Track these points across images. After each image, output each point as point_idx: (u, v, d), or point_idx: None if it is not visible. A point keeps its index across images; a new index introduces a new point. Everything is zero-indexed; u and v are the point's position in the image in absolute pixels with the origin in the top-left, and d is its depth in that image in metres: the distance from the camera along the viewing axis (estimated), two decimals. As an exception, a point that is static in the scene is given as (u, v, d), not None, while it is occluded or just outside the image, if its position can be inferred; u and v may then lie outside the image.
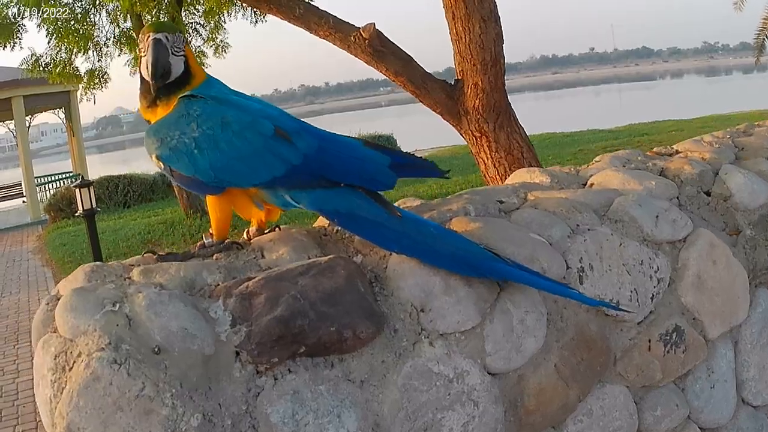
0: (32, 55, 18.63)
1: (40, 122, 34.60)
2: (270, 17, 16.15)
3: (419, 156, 2.50)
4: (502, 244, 2.30)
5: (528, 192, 2.85)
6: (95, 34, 18.47)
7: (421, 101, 6.92)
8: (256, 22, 17.16)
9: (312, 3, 7.20)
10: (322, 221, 2.51)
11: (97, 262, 2.17)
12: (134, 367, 1.73)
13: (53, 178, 31.01)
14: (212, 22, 18.59)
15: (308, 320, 1.90)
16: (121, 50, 18.90)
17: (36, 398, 1.89)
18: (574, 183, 3.07)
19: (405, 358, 2.05)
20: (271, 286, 1.96)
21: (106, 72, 19.34)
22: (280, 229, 2.48)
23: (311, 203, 2.28)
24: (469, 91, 6.59)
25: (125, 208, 23.96)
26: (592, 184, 3.02)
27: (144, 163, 34.46)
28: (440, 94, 6.76)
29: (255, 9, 7.25)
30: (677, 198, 2.98)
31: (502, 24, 6.55)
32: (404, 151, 2.49)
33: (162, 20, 2.56)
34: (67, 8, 17.64)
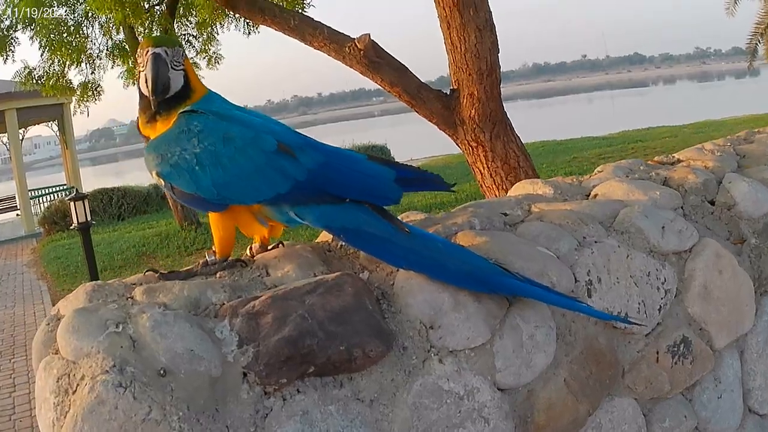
0: (25, 67, 18.65)
1: (33, 135, 34.65)
2: (263, 28, 16.26)
3: (423, 168, 2.46)
4: (510, 259, 2.28)
5: (532, 204, 2.82)
6: (88, 46, 18.46)
7: (416, 111, 6.91)
8: (249, 33, 17.19)
9: (306, 14, 7.17)
10: (324, 236, 2.48)
11: (98, 281, 2.14)
12: (140, 390, 1.70)
13: (47, 191, 30.98)
14: (205, 33, 18.59)
15: (317, 340, 1.87)
16: (114, 62, 18.89)
17: (38, 421, 1.85)
18: (577, 194, 3.04)
19: (415, 376, 2.02)
20: (278, 305, 1.93)
21: (99, 84, 19.37)
22: (283, 245, 2.44)
23: (316, 220, 2.24)
24: (464, 100, 6.58)
25: (119, 220, 23.96)
26: (596, 195, 2.99)
27: (137, 176, 34.40)
28: (436, 104, 6.74)
29: (249, 20, 7.23)
30: (681, 208, 2.95)
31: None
32: (407, 164, 2.46)
33: (162, 34, 2.52)
34: (59, 20, 17.62)
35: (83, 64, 18.65)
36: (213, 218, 2.29)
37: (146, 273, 2.26)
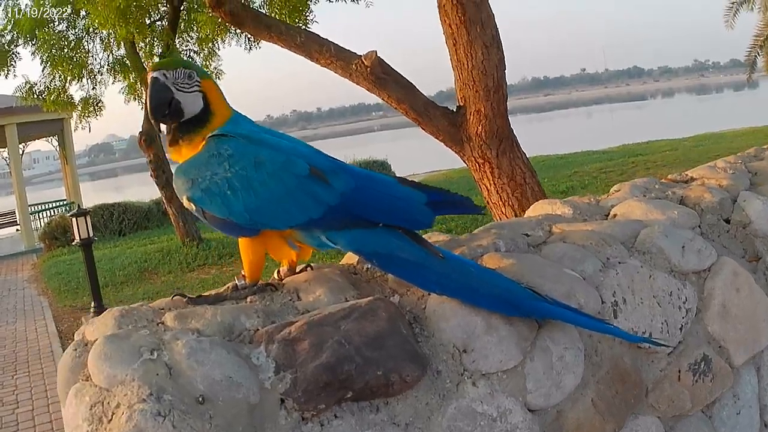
0: (26, 82, 18.63)
1: (32, 150, 34.66)
2: (263, 43, 16.29)
3: (454, 192, 2.46)
4: (538, 281, 2.29)
5: (552, 224, 2.84)
6: (89, 61, 18.46)
7: (423, 128, 6.90)
8: (250, 48, 17.21)
9: (312, 31, 7.18)
10: (349, 258, 2.49)
11: (126, 306, 2.12)
12: (179, 419, 1.69)
13: (47, 207, 30.95)
14: (206, 49, 18.60)
15: (355, 365, 1.87)
16: (115, 78, 18.87)
17: None
18: (596, 214, 3.06)
19: (449, 399, 2.03)
20: (314, 331, 1.93)
21: (100, 100, 19.34)
22: (312, 268, 2.43)
23: (348, 244, 2.24)
24: (471, 117, 6.58)
25: (120, 236, 23.89)
26: (615, 215, 3.02)
27: (138, 191, 34.34)
28: (442, 121, 6.74)
29: (252, 36, 7.25)
30: (699, 227, 2.97)
31: (496, 48, 6.56)
32: (439, 187, 2.45)
33: (167, 57, 2.49)
34: (61, 35, 17.63)
35: (84, 80, 18.62)
36: (243, 243, 2.28)
37: (174, 297, 2.25)
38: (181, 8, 17.10)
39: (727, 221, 3.10)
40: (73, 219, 12.53)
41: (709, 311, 2.73)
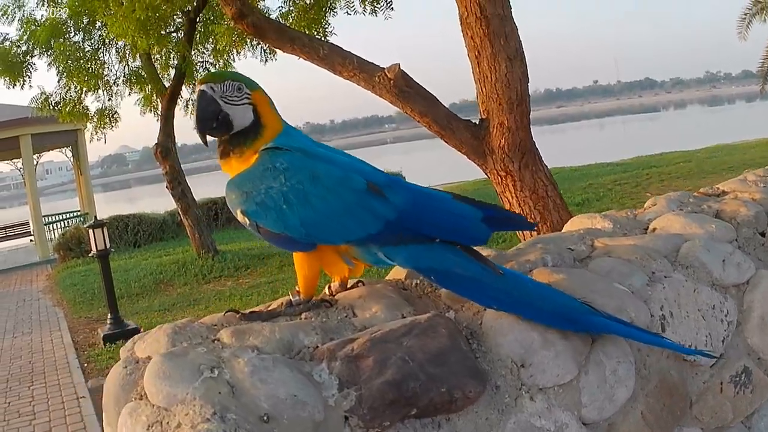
0: (42, 93, 18.65)
1: (45, 160, 34.77)
2: (277, 56, 16.32)
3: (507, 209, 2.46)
4: (590, 296, 2.29)
5: (594, 239, 2.85)
6: (104, 72, 18.50)
7: (446, 141, 6.91)
8: (266, 61, 17.16)
9: (335, 43, 7.20)
10: (395, 273, 2.49)
11: (178, 322, 2.12)
12: (244, 438, 1.68)
13: (61, 218, 31.03)
14: (221, 60, 18.63)
15: (419, 382, 1.87)
16: (131, 89, 18.89)
17: None
18: (635, 228, 3.06)
19: (508, 414, 2.03)
20: (377, 348, 1.92)
21: (116, 111, 19.35)
22: (363, 284, 2.42)
23: (405, 260, 2.24)
24: (494, 130, 6.58)
25: (135, 247, 23.88)
26: (654, 229, 3.02)
27: (151, 202, 34.37)
28: (465, 133, 6.75)
29: (275, 48, 7.26)
30: (736, 240, 2.97)
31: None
32: (492, 203, 2.45)
33: (218, 70, 2.48)
34: (77, 46, 17.67)
35: (100, 91, 18.65)
36: (298, 258, 2.28)
37: (226, 313, 2.24)
38: (198, 20, 17.13)
39: (762, 234, 3.10)
40: (90, 230, 12.58)
41: (748, 324, 2.72)
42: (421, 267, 2.24)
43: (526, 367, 2.09)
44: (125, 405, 1.87)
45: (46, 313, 16.13)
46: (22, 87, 18.33)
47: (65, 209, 36.03)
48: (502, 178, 6.75)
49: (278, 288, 14.35)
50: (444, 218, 2.27)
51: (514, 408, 2.04)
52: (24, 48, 17.96)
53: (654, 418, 2.33)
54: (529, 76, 6.64)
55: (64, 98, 18.60)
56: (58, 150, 33.03)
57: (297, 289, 2.32)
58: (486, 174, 7.01)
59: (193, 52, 17.91)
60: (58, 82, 18.32)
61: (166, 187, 18.24)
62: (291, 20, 12.72)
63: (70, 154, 31.55)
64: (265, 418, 1.73)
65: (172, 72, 18.39)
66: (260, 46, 16.31)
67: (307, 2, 12.44)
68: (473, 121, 6.86)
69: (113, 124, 19.48)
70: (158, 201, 33.26)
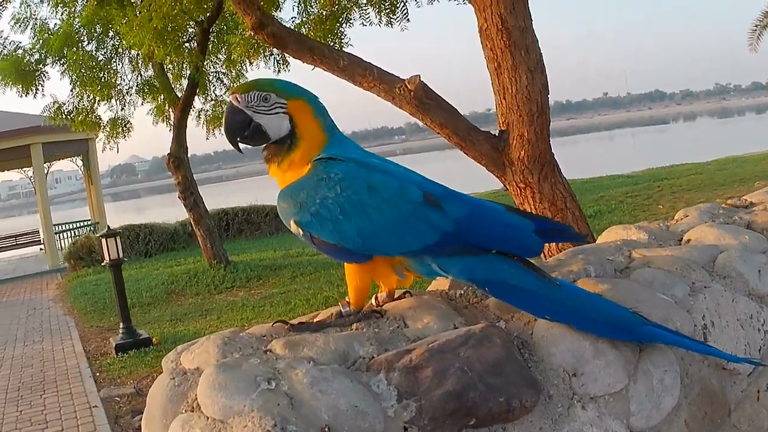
0: (54, 102, 18.66)
1: (54, 169, 34.85)
2: (292, 66, 16.31)
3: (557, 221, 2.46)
4: (637, 306, 2.31)
5: (631, 250, 2.86)
6: (117, 82, 18.51)
7: (465, 153, 6.87)
8: (279, 71, 17.13)
9: (354, 54, 7.17)
10: (438, 284, 2.49)
11: (226, 333, 2.11)
12: (306, 450, 1.67)
13: (71, 227, 31.07)
14: (233, 71, 18.63)
15: (478, 392, 1.88)
16: (144, 99, 18.91)
17: None
18: (669, 239, 3.09)
19: (561, 423, 2.04)
20: (435, 358, 1.92)
21: (128, 121, 19.36)
22: (411, 294, 2.42)
23: (460, 272, 2.23)
24: (514, 142, 6.56)
25: (147, 257, 23.88)
26: (689, 240, 3.04)
27: (161, 212, 34.36)
28: (485, 145, 6.72)
29: (294, 58, 7.25)
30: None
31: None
32: (543, 216, 2.45)
33: (251, 80, 2.48)
34: (90, 55, 17.68)
35: (113, 100, 18.66)
36: (350, 269, 2.27)
37: (274, 324, 2.23)
38: (211, 30, 17.13)
39: (793, 244, 3.11)
40: (103, 240, 12.59)
41: (784, 332, 2.76)
42: (476, 278, 2.24)
43: (578, 376, 2.10)
44: (176, 417, 1.86)
45: (57, 321, 16.13)
46: (34, 96, 18.30)
47: (75, 218, 36.12)
48: (521, 190, 6.72)
49: (291, 299, 14.36)
50: (499, 230, 2.27)
51: (566, 417, 2.06)
52: (37, 56, 17.96)
53: (696, 425, 2.35)
54: (549, 88, 6.62)
55: (76, 107, 18.62)
56: (68, 159, 33.09)
57: (347, 299, 2.31)
58: (505, 186, 6.99)
59: (205, 63, 17.90)
60: (71, 91, 18.34)
61: (179, 197, 18.24)
62: (306, 31, 12.71)
63: (80, 163, 31.63)
64: (326, 429, 1.74)
65: (185, 82, 18.39)
66: (273, 56, 16.28)
67: (323, 13, 12.40)
68: (492, 133, 6.84)
69: (126, 134, 19.49)
70: (168, 211, 33.27)
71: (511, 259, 2.25)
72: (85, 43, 17.84)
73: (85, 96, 18.39)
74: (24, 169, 32.90)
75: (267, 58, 16.50)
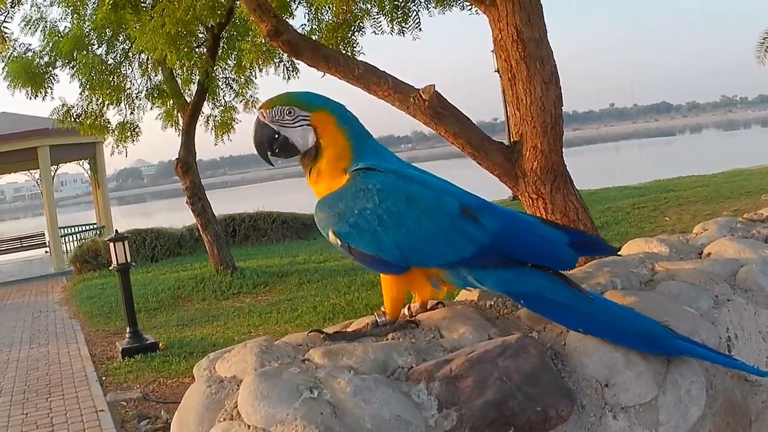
0: (63, 105, 18.65)
1: (60, 172, 34.83)
2: (302, 73, 16.32)
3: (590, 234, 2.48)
4: (663, 318, 2.34)
5: (654, 263, 2.90)
6: (127, 86, 18.50)
7: (478, 163, 6.89)
8: (288, 78, 17.10)
9: (370, 63, 7.18)
10: (466, 295, 2.51)
11: (262, 341, 2.13)
12: (350, 459, 1.69)
13: (77, 230, 31.05)
14: (242, 77, 18.64)
15: (517, 402, 1.90)
16: (153, 104, 18.91)
17: None
18: (689, 252, 3.13)
19: (594, 432, 2.08)
20: (475, 368, 1.95)
21: (137, 125, 19.36)
22: (444, 305, 2.44)
23: (496, 284, 2.25)
24: (527, 153, 6.57)
25: (153, 262, 23.78)
26: (709, 254, 3.07)
27: (167, 217, 34.30)
28: (498, 156, 6.73)
29: (309, 66, 7.24)
30: (786, 265, 3.03)
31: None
32: (577, 229, 2.48)
33: (276, 95, 2.51)
34: (101, 59, 17.66)
35: (122, 104, 18.65)
36: (387, 279, 2.29)
37: (310, 333, 2.26)
38: (221, 36, 17.14)
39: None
40: (111, 244, 12.60)
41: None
42: (512, 291, 2.26)
43: (610, 386, 2.13)
44: (214, 425, 1.88)
45: (62, 324, 16.11)
46: (44, 98, 18.26)
47: (80, 221, 36.13)
48: (533, 201, 6.73)
49: (297, 306, 14.34)
50: (534, 242, 2.30)
51: (599, 426, 2.09)
52: (46, 59, 17.94)
53: (720, 436, 2.39)
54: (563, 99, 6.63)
55: (85, 110, 18.56)
56: (75, 162, 33.09)
57: (383, 309, 2.33)
58: (517, 197, 6.99)
59: (215, 68, 17.89)
60: (81, 94, 18.30)
61: (186, 202, 18.21)
62: (317, 39, 12.70)
63: (87, 166, 31.61)
64: None
65: (194, 87, 18.39)
66: (283, 63, 16.30)
67: (335, 21, 12.40)
68: (506, 144, 6.85)
69: (134, 138, 19.47)
70: (174, 216, 33.23)
71: (546, 273, 2.27)
72: (96, 46, 17.81)
73: (94, 99, 18.33)
74: (30, 171, 32.93)
75: (277, 65, 16.51)
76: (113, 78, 17.93)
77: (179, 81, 18.40)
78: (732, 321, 2.52)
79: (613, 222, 19.63)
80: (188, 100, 18.31)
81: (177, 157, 18.19)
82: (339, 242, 2.23)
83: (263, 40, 12.51)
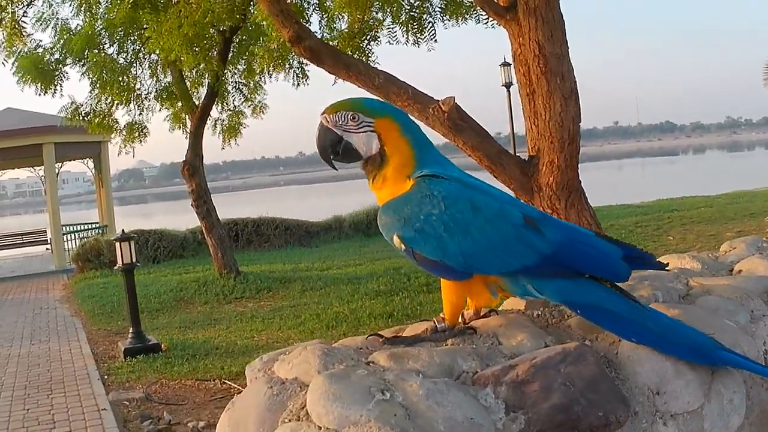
0: (72, 103, 18.62)
1: (63, 170, 34.79)
2: (311, 81, 16.32)
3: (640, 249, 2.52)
4: (707, 331, 2.38)
5: (688, 278, 2.95)
6: (137, 86, 18.47)
7: (495, 177, 6.91)
8: (298, 84, 17.06)
9: (391, 73, 7.20)
10: (512, 303, 2.56)
11: (323, 345, 2.15)
12: (424, 459, 1.72)
13: (79, 228, 31.00)
14: (251, 82, 18.64)
15: (581, 407, 1.96)
16: (162, 105, 18.90)
17: None
18: (720, 269, 3.20)
19: (645, 438, 2.13)
20: (540, 374, 2.00)
21: (145, 126, 19.32)
22: (497, 313, 2.49)
23: (555, 294, 2.30)
24: (544, 168, 6.60)
25: (155, 263, 23.67)
26: (740, 271, 3.14)
27: (168, 219, 34.21)
28: (515, 170, 6.76)
29: (330, 73, 7.24)
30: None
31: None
32: (627, 242, 2.51)
33: (340, 100, 2.54)
34: (112, 59, 17.63)
35: (131, 105, 18.62)
36: (447, 285, 2.32)
37: (369, 337, 2.31)
38: (233, 39, 17.13)
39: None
40: (117, 243, 12.59)
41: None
42: (570, 301, 2.31)
43: (661, 394, 2.19)
44: (278, 427, 1.91)
45: (63, 322, 16.07)
46: (53, 95, 18.21)
47: (81, 220, 36.06)
48: (548, 216, 6.73)
49: (300, 312, 14.31)
50: (592, 255, 2.35)
51: None
52: (57, 56, 17.91)
53: (756, 445, 2.45)
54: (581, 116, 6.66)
55: (94, 109, 18.51)
56: (79, 161, 33.05)
57: (441, 315, 2.36)
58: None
59: (227, 72, 17.89)
60: (90, 92, 18.26)
61: (192, 205, 18.17)
62: (338, 45, 12.71)
63: (92, 165, 31.57)
64: None
65: (202, 90, 18.39)
66: (293, 70, 16.31)
67: (351, 30, 12.40)
68: (524, 159, 6.87)
69: (142, 139, 19.43)
70: (175, 218, 33.14)
71: (603, 284, 2.32)
72: (107, 45, 17.80)
73: (103, 98, 18.28)
74: (34, 167, 32.90)
75: (287, 71, 16.49)
76: (123, 78, 17.88)
77: (188, 83, 18.38)
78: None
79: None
80: (197, 102, 18.28)
81: (184, 159, 18.16)
82: (403, 247, 2.26)
83: (275, 46, 12.53)
